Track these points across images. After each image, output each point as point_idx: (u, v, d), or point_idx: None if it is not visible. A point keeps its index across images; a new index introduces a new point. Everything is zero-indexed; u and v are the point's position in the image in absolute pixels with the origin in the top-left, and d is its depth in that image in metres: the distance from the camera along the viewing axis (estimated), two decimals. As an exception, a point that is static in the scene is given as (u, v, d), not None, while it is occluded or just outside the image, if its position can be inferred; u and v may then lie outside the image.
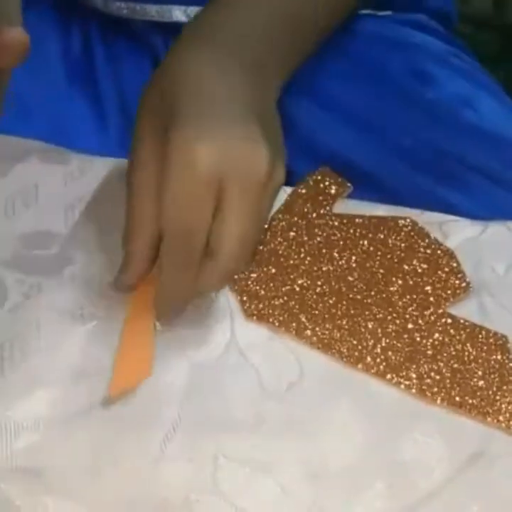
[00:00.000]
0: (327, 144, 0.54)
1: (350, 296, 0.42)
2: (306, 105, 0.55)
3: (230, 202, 0.36)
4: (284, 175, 0.40)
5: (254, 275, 0.43)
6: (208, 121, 0.37)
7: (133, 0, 0.55)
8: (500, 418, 0.37)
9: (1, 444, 0.36)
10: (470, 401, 0.38)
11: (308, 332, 0.41)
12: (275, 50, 0.45)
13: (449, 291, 0.43)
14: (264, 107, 0.42)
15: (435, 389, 0.38)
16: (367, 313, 0.42)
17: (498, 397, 0.38)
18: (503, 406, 0.38)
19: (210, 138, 0.36)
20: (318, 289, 0.43)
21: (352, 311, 0.42)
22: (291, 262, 0.44)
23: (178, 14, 0.55)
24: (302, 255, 0.44)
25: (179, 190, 0.36)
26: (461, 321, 0.42)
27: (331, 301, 0.42)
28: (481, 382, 0.39)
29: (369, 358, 0.40)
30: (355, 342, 0.40)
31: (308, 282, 0.43)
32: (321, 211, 0.47)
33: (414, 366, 0.39)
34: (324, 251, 0.44)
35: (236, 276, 0.43)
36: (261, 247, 0.44)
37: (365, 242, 0.45)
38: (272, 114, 0.42)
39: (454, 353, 0.40)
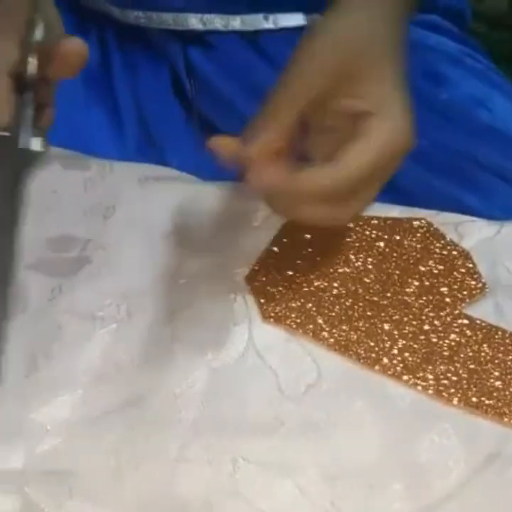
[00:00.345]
0: None
1: (367, 297, 0.43)
2: None
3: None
4: None
5: (271, 277, 0.44)
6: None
7: (150, 9, 0.55)
8: None
9: (26, 448, 0.37)
10: (486, 402, 0.38)
11: (325, 334, 0.41)
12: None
13: (465, 292, 0.43)
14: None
15: (452, 390, 0.39)
16: (383, 314, 0.42)
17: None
18: None
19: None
20: (334, 291, 0.43)
21: (368, 313, 0.42)
22: (308, 263, 0.44)
23: (194, 22, 0.56)
24: (318, 257, 0.45)
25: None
26: (478, 321, 0.42)
27: (347, 303, 0.42)
28: (497, 383, 0.39)
29: (386, 360, 0.40)
30: (371, 343, 0.41)
31: (325, 284, 0.43)
32: None
33: (430, 367, 0.40)
34: (340, 253, 0.45)
35: (254, 279, 0.43)
36: (277, 249, 0.45)
37: (381, 244, 0.45)
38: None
39: (470, 353, 0.40)
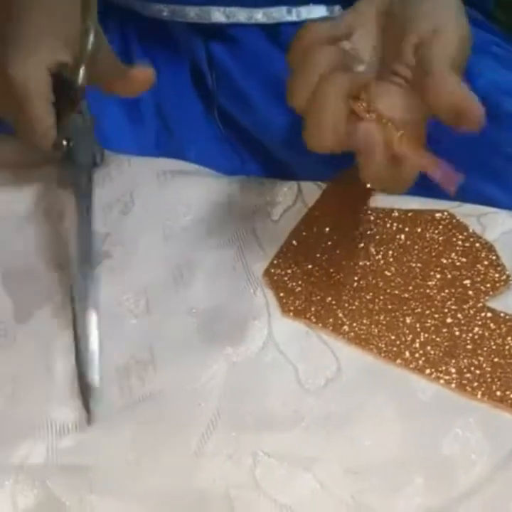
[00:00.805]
0: None
1: (388, 290, 0.42)
2: None
3: None
4: None
5: (290, 271, 0.43)
6: None
7: (173, 2, 0.55)
8: None
9: (48, 444, 0.37)
10: (511, 395, 0.37)
11: (346, 328, 0.41)
12: None
13: (488, 285, 0.42)
14: None
15: (475, 384, 0.38)
16: (405, 308, 0.41)
17: None
18: None
19: None
20: (355, 284, 0.43)
21: (389, 306, 0.42)
22: (328, 257, 0.44)
23: (218, 15, 0.56)
24: (338, 250, 0.44)
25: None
26: (502, 314, 0.41)
27: (368, 297, 0.42)
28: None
29: (407, 353, 0.40)
30: (393, 337, 0.40)
31: (345, 277, 0.43)
32: (357, 205, 0.47)
33: (453, 361, 0.39)
34: (361, 246, 0.44)
35: (273, 272, 0.43)
36: (296, 243, 0.45)
37: (402, 236, 0.45)
38: None
39: (494, 347, 0.40)
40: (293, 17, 0.57)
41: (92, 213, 0.44)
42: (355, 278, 0.43)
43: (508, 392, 0.38)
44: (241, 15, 0.56)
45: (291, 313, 0.41)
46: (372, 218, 0.46)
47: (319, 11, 0.57)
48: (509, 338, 0.40)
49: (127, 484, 0.36)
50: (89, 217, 0.43)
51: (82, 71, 0.41)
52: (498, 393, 0.38)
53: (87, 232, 0.43)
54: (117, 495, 0.35)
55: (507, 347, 0.40)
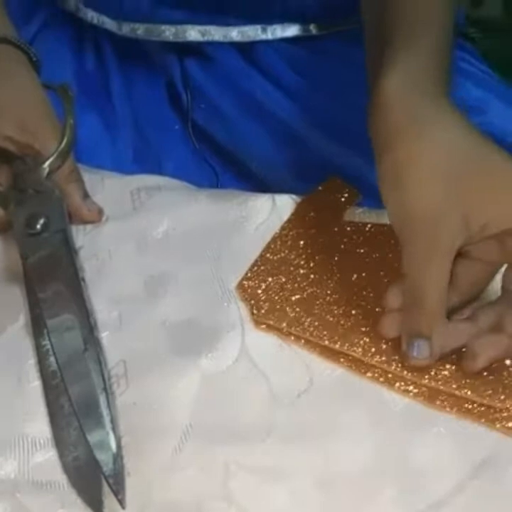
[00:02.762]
0: (336, 162, 0.54)
1: (361, 304, 0.43)
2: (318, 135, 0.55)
3: None
4: None
5: (264, 284, 0.43)
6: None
7: (149, 21, 0.56)
8: (510, 425, 0.37)
9: (20, 460, 0.37)
10: (479, 408, 0.38)
11: (317, 336, 0.41)
12: (445, 65, 0.44)
13: None
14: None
15: (444, 396, 0.38)
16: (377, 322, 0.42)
17: (507, 404, 0.38)
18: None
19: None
20: (328, 298, 0.43)
21: (362, 320, 0.42)
22: (301, 270, 0.44)
23: (193, 34, 0.56)
24: (312, 264, 0.45)
25: None
26: None
27: (340, 310, 0.42)
28: (489, 390, 0.39)
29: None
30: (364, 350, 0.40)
31: (318, 291, 0.43)
32: (332, 219, 0.47)
33: (422, 374, 0.39)
34: (334, 259, 0.45)
35: (246, 286, 0.43)
36: (270, 256, 0.45)
37: (377, 250, 0.45)
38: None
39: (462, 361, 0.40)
40: (268, 35, 0.58)
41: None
42: (328, 292, 0.43)
43: (475, 405, 0.38)
44: (216, 33, 0.57)
45: (264, 326, 0.42)
46: (346, 232, 0.46)
47: (293, 30, 0.58)
48: None
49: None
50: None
51: (51, 160, 0.44)
52: (466, 405, 0.38)
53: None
54: (88, 510, 0.35)
55: None
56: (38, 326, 0.40)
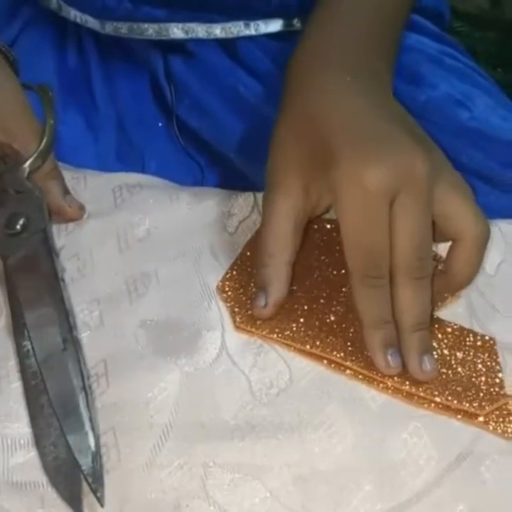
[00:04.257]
0: None
1: (341, 303, 0.43)
2: None
3: (406, 210, 0.38)
4: (441, 155, 0.42)
5: (244, 283, 0.44)
6: (367, 145, 0.39)
7: (131, 20, 0.56)
8: (487, 421, 0.38)
9: (0, 460, 0.37)
10: (457, 405, 0.38)
11: (298, 342, 0.41)
12: (381, 50, 0.47)
13: (437, 295, 0.43)
14: (396, 110, 0.43)
15: (422, 393, 0.39)
16: (357, 322, 0.42)
17: (484, 401, 0.38)
18: (491, 408, 0.38)
19: (376, 161, 0.38)
20: (308, 296, 0.43)
21: (342, 319, 0.42)
22: None
23: (176, 31, 0.56)
24: None
25: (358, 215, 0.38)
26: (449, 324, 0.42)
27: (321, 310, 0.42)
28: (468, 386, 0.39)
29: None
30: (344, 349, 0.41)
31: (299, 290, 0.43)
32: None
33: (401, 371, 0.39)
34: (315, 258, 0.45)
35: (226, 285, 0.43)
36: (250, 254, 0.45)
37: None
38: (401, 110, 0.44)
39: (441, 357, 0.40)
40: (251, 31, 0.58)
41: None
42: (308, 289, 0.43)
43: (454, 402, 0.38)
44: (199, 31, 0.57)
45: (243, 326, 0.42)
46: (326, 229, 0.46)
47: (276, 25, 0.58)
48: (455, 348, 0.40)
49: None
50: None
51: (31, 160, 0.44)
52: (445, 402, 0.38)
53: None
54: (68, 509, 0.35)
55: (453, 357, 0.40)
56: (18, 327, 0.40)
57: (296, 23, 0.58)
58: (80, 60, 0.59)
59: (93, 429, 0.36)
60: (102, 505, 0.35)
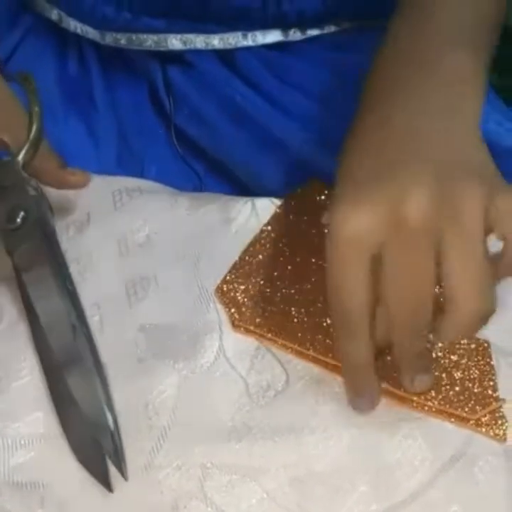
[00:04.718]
0: (317, 166, 0.55)
1: None
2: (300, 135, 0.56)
3: (452, 253, 0.33)
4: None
5: (242, 287, 0.44)
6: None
7: (130, 31, 0.57)
8: (480, 424, 0.38)
9: (1, 459, 0.38)
10: (450, 409, 0.39)
11: (296, 344, 0.42)
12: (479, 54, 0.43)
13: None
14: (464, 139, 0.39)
15: (415, 398, 0.39)
16: None
17: (478, 405, 0.39)
18: (483, 412, 0.38)
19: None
20: (306, 300, 0.43)
21: None
22: (280, 273, 0.45)
23: (175, 42, 0.57)
24: (289, 266, 0.45)
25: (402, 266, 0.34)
26: None
27: (319, 312, 0.43)
28: (461, 389, 0.39)
29: None
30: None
31: (297, 294, 0.44)
32: (310, 221, 0.48)
33: (395, 374, 0.40)
34: (313, 260, 0.45)
35: (225, 289, 0.44)
36: (249, 259, 0.46)
37: None
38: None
39: (435, 360, 0.41)
40: (249, 42, 0.58)
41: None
42: (307, 294, 0.44)
43: (447, 405, 0.39)
44: (198, 41, 0.58)
45: (242, 329, 0.42)
46: (325, 232, 0.47)
47: (274, 36, 0.59)
48: (449, 351, 0.41)
49: (77, 499, 0.36)
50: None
51: (24, 151, 0.44)
52: (438, 406, 0.39)
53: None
54: (68, 509, 0.36)
55: (447, 360, 0.41)
56: (32, 321, 0.41)
57: (294, 33, 0.59)
58: (81, 69, 0.59)
59: (110, 409, 0.38)
60: (125, 478, 0.37)
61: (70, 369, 0.39)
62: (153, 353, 0.41)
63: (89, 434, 0.37)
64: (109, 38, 0.57)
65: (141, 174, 0.56)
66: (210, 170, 0.58)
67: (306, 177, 0.52)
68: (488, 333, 0.42)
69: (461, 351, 0.41)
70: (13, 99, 0.45)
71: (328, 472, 0.37)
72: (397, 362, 0.38)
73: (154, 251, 0.47)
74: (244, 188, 0.56)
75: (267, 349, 0.42)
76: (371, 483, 0.37)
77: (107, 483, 0.36)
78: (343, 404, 0.39)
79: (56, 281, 0.41)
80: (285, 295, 0.44)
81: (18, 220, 0.42)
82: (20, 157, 0.44)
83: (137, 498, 0.36)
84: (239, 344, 0.42)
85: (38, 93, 0.45)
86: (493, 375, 0.40)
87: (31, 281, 0.41)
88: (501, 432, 0.38)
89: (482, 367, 0.40)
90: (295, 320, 0.42)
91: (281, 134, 0.56)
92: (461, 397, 0.39)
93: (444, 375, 0.40)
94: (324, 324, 0.42)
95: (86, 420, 0.38)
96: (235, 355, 0.41)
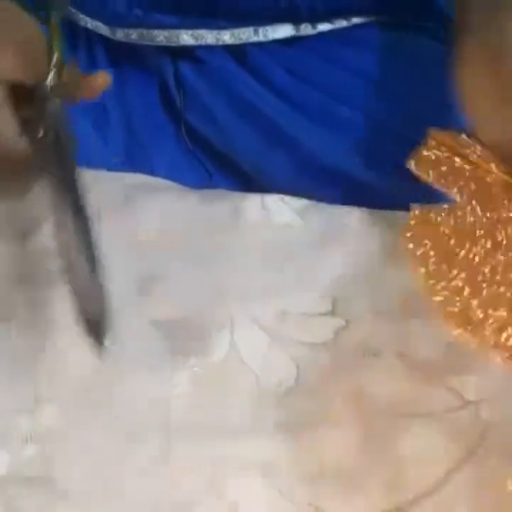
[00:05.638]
0: (328, 163, 0.55)
1: None
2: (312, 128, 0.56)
3: None
4: None
5: None
6: None
7: (142, 27, 0.56)
8: None
9: (11, 454, 0.37)
10: None
11: None
12: None
13: None
14: None
15: None
16: None
17: None
18: None
19: None
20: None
21: None
22: None
23: (186, 38, 0.57)
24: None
25: None
26: None
27: None
28: None
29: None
30: None
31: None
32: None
33: None
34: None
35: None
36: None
37: None
38: None
39: None
40: (260, 37, 0.58)
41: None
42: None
43: None
44: (209, 37, 0.57)
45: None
46: None
47: (286, 31, 0.59)
48: None
49: (89, 495, 0.36)
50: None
51: (51, 75, 0.43)
52: None
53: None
54: (79, 505, 0.36)
55: None
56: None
57: (305, 28, 0.59)
58: (90, 64, 0.59)
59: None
60: (101, 344, 0.38)
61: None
62: (164, 349, 0.41)
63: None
64: (120, 34, 0.57)
65: (151, 170, 0.55)
66: (220, 166, 0.58)
67: (316, 174, 0.52)
68: None
69: None
70: (37, 28, 0.44)
71: (341, 468, 0.37)
72: None
73: (164, 247, 0.47)
74: (254, 184, 0.56)
75: (278, 345, 0.42)
76: (385, 479, 0.36)
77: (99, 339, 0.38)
78: (355, 400, 0.39)
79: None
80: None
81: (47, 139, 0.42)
82: (48, 81, 0.43)
83: (150, 493, 0.36)
84: (250, 340, 0.42)
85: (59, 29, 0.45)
86: None
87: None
88: None
89: None
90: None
91: (292, 130, 0.55)
92: None
93: None
94: None
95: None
96: (246, 351, 0.41)
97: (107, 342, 0.38)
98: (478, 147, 0.42)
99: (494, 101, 0.40)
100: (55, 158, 0.43)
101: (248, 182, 0.56)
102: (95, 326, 0.39)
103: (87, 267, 0.40)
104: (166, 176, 0.53)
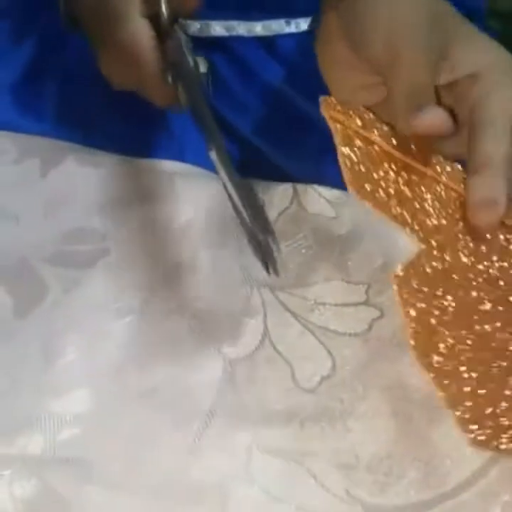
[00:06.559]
0: None
1: None
2: None
3: None
4: None
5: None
6: None
7: None
8: None
9: (45, 437, 0.37)
10: None
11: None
12: None
13: None
14: None
15: None
16: None
17: None
18: None
19: None
20: None
21: None
22: None
23: (218, 29, 0.57)
24: None
25: None
26: None
27: None
28: None
29: None
30: None
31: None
32: None
33: None
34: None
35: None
36: None
37: None
38: None
39: None
40: (292, 29, 0.58)
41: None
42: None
43: None
44: (241, 28, 0.57)
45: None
46: None
47: (318, 22, 0.58)
48: None
49: (123, 478, 0.36)
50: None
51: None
52: None
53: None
54: (114, 488, 0.36)
55: None
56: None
57: None
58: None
59: None
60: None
61: None
62: (196, 338, 0.41)
63: None
64: None
65: (180, 158, 0.55)
66: (248, 155, 0.57)
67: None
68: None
69: None
70: None
71: (377, 459, 0.37)
72: None
73: (195, 235, 0.46)
74: (284, 174, 0.56)
75: (312, 334, 0.41)
76: (420, 471, 0.36)
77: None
78: (390, 391, 0.39)
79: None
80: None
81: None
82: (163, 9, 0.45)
83: (183, 478, 0.36)
84: (283, 328, 0.42)
85: None
86: None
87: None
88: None
89: None
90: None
91: (323, 120, 0.55)
92: None
93: None
94: None
95: None
96: (279, 340, 0.41)
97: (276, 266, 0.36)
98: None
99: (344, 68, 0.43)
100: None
101: (278, 171, 0.56)
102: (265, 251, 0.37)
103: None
104: (194, 164, 0.53)
